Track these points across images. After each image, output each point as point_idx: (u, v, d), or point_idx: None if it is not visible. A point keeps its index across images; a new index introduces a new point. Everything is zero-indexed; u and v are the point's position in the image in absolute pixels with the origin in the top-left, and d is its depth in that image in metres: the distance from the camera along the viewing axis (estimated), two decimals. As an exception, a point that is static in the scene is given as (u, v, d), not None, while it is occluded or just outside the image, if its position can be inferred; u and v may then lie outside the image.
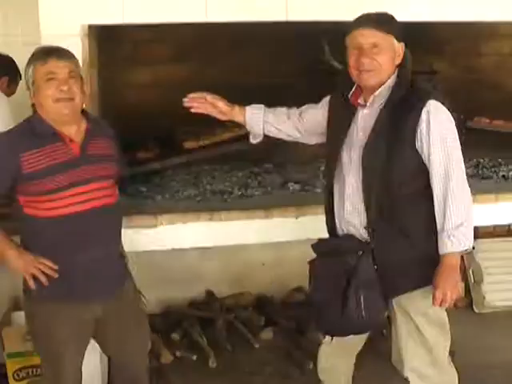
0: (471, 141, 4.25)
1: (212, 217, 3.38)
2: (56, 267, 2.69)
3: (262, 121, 3.06)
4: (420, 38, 4.01)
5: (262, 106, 3.07)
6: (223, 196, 3.59)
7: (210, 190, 3.64)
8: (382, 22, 2.72)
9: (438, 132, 2.67)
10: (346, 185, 2.80)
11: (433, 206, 2.72)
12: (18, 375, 3.60)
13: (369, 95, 2.77)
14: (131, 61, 3.77)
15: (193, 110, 2.96)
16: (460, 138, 2.76)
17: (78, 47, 3.21)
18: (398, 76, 2.78)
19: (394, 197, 2.72)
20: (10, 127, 3.22)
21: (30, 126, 2.75)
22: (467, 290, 4.82)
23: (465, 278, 4.83)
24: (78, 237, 2.74)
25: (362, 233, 2.77)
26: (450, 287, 2.70)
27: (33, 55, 2.74)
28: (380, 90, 2.75)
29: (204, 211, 3.41)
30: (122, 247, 2.96)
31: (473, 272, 4.85)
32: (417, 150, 2.70)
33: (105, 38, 3.44)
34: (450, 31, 3.99)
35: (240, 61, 3.40)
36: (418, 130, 2.68)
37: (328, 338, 3.02)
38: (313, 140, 3.14)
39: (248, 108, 3.06)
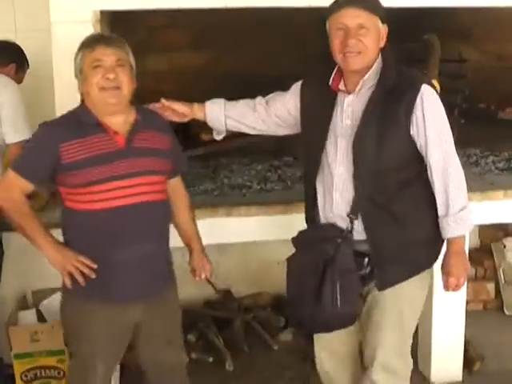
0: (502, 133, 4.17)
1: (230, 212, 3.34)
2: (95, 266, 2.59)
3: (223, 116, 2.96)
4: (448, 25, 3.90)
5: (223, 100, 2.98)
6: (241, 190, 3.55)
7: (227, 184, 3.60)
8: (366, 2, 2.62)
9: (434, 117, 2.63)
10: (333, 176, 2.70)
11: (424, 191, 2.70)
12: (25, 376, 3.52)
13: (352, 80, 2.68)
14: (145, 47, 3.71)
15: None
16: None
17: (89, 34, 3.01)
18: (383, 60, 2.68)
19: (386, 184, 2.67)
20: (20, 113, 3.12)
21: (74, 115, 2.70)
22: (497, 291, 4.66)
23: (495, 278, 4.67)
24: (118, 233, 2.65)
25: (348, 221, 2.70)
26: (462, 272, 2.75)
27: (82, 42, 2.68)
28: (369, 74, 2.66)
29: (222, 206, 3.37)
30: (169, 248, 2.85)
31: (503, 272, 4.67)
32: (411, 136, 2.64)
33: (118, 24, 3.36)
34: (479, 17, 3.87)
35: (259, 48, 3.30)
36: (413, 116, 2.62)
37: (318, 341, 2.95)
38: (280, 131, 3.02)
39: (207, 103, 2.98)
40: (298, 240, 2.85)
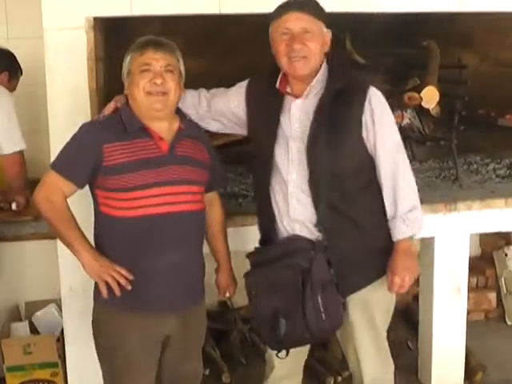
0: (503, 140, 4.13)
1: (226, 221, 3.17)
2: (131, 277, 2.54)
3: None
4: (447, 31, 3.88)
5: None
6: (237, 200, 3.51)
7: (223, 193, 3.46)
8: (311, 7, 2.63)
9: (383, 119, 2.68)
10: (287, 181, 2.68)
11: (380, 195, 2.72)
12: (18, 390, 3.48)
13: (298, 85, 2.70)
14: (140, 54, 3.67)
15: None
16: None
17: (82, 40, 3.11)
18: (329, 64, 2.70)
19: (343, 188, 2.69)
20: (15, 123, 3.06)
21: (118, 118, 2.69)
22: (499, 300, 4.64)
23: (497, 288, 4.66)
24: (156, 242, 2.61)
25: (312, 231, 2.69)
26: (408, 272, 2.72)
27: (132, 45, 2.68)
28: (316, 79, 2.69)
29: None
30: (204, 264, 2.83)
31: (505, 281, 4.66)
32: (363, 139, 2.68)
33: (112, 30, 3.31)
34: (479, 23, 3.83)
35: (255, 55, 3.24)
36: (363, 118, 2.66)
37: (277, 360, 2.87)
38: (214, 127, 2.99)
39: None
40: (260, 256, 2.82)
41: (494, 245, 4.74)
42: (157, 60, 2.61)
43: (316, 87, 2.70)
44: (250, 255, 2.85)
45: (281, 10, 2.64)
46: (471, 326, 3.81)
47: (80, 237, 2.61)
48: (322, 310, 2.63)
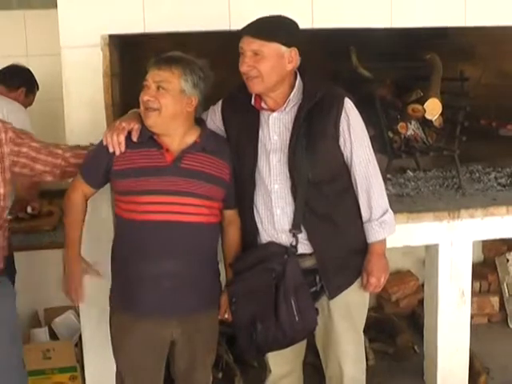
0: (504, 149, 4.21)
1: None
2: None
3: None
4: (450, 45, 3.95)
5: None
6: None
7: None
8: (263, 29, 2.70)
9: (357, 128, 2.79)
10: (270, 192, 2.77)
11: (355, 198, 2.84)
12: (38, 393, 3.52)
13: (269, 99, 2.79)
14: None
15: None
16: None
17: (98, 57, 3.20)
18: (303, 79, 2.79)
19: (322, 194, 2.78)
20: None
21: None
22: (502, 305, 4.68)
23: (499, 292, 4.69)
24: (150, 247, 2.70)
25: (298, 238, 2.78)
26: (383, 272, 2.88)
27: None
28: (293, 93, 2.78)
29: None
30: (217, 275, 2.90)
31: (507, 285, 4.70)
32: (339, 147, 2.79)
33: (126, 47, 3.40)
34: (481, 36, 3.90)
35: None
36: (340, 128, 2.76)
37: (274, 362, 3.01)
38: None
39: None
40: (239, 263, 2.89)
41: (497, 251, 4.78)
42: (152, 76, 2.69)
43: (293, 100, 2.78)
44: (231, 264, 2.93)
45: (241, 32, 2.74)
46: (475, 329, 3.86)
47: (75, 239, 2.80)
48: (295, 312, 2.72)
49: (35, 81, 4.15)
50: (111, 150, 2.73)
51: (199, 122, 2.87)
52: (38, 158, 2.85)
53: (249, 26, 2.71)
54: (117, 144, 2.73)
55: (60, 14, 3.17)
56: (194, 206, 2.73)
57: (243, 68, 2.70)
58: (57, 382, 3.49)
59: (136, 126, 2.76)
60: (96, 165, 2.80)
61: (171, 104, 2.68)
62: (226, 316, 2.94)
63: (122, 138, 2.73)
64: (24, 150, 2.80)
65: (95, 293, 3.08)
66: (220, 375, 3.85)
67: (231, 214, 2.92)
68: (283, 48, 2.72)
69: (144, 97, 2.69)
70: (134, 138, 2.75)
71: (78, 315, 3.47)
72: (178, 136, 2.76)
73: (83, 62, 3.20)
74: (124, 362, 2.86)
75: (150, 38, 3.27)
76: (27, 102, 4.11)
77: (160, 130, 2.73)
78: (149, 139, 2.75)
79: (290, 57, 2.74)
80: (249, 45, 2.69)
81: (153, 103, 2.67)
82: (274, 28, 2.73)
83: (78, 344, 3.60)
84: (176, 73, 2.69)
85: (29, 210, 3.77)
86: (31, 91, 4.18)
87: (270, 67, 2.71)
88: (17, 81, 4.06)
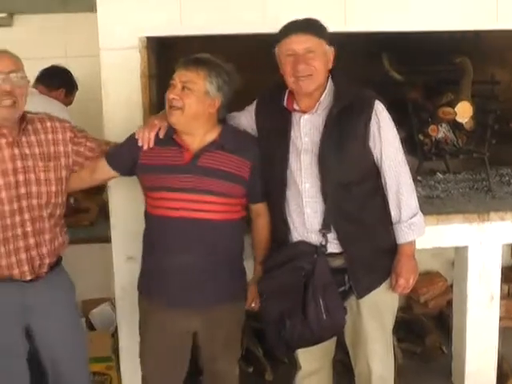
0: None
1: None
2: None
3: None
4: (481, 48, 3.96)
5: None
6: None
7: None
8: (313, 27, 2.73)
9: (388, 130, 2.80)
10: (301, 192, 2.80)
11: (384, 199, 2.85)
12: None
13: (304, 101, 2.81)
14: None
15: None
16: None
17: (136, 59, 3.27)
18: (334, 81, 2.81)
19: (352, 195, 2.80)
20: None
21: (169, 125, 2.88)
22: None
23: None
24: (168, 241, 2.80)
25: (327, 238, 2.81)
26: (412, 274, 2.89)
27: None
28: (324, 95, 2.80)
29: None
30: (240, 270, 2.96)
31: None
32: (369, 149, 2.80)
33: (163, 49, 3.47)
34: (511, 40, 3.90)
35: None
36: (370, 130, 2.77)
37: (303, 359, 3.06)
38: None
39: None
40: (269, 261, 2.94)
41: (525, 254, 4.72)
42: (179, 76, 2.78)
43: (324, 103, 2.81)
44: (262, 262, 2.99)
45: (285, 32, 2.76)
46: (502, 332, 3.85)
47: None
48: (323, 310, 2.76)
49: (74, 81, 4.24)
50: (140, 144, 2.84)
51: (222, 121, 2.93)
52: (92, 158, 2.98)
53: (295, 26, 2.74)
54: (147, 139, 2.84)
55: (99, 16, 3.25)
56: (210, 203, 2.79)
57: (300, 67, 2.71)
58: (93, 371, 3.53)
59: (165, 124, 2.85)
60: (122, 151, 2.93)
61: (194, 104, 2.75)
62: (253, 305, 3.00)
63: (152, 135, 2.84)
64: (81, 149, 2.95)
65: (131, 285, 3.17)
66: (251, 370, 3.91)
67: (258, 208, 2.98)
68: (327, 46, 2.78)
69: (169, 95, 2.77)
70: (161, 136, 2.85)
71: (114, 307, 3.54)
72: (199, 135, 2.83)
73: (121, 63, 3.28)
74: (145, 347, 2.98)
75: (186, 40, 3.32)
76: (67, 102, 4.21)
77: (182, 128, 2.81)
78: (171, 138, 2.84)
79: (330, 56, 2.79)
80: (302, 43, 2.72)
81: (177, 102, 2.75)
82: (319, 26, 2.78)
83: (114, 334, 3.67)
84: (202, 74, 2.76)
85: (71, 201, 3.85)
86: (70, 91, 4.27)
87: (323, 64, 2.76)
88: (57, 81, 4.15)
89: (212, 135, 2.85)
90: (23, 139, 2.80)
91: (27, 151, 2.79)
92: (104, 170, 2.97)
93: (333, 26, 3.00)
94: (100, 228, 3.14)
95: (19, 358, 2.90)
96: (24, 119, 2.82)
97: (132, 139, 2.90)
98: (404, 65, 4.05)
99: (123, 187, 3.23)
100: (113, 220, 3.38)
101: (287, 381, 3.27)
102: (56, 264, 2.93)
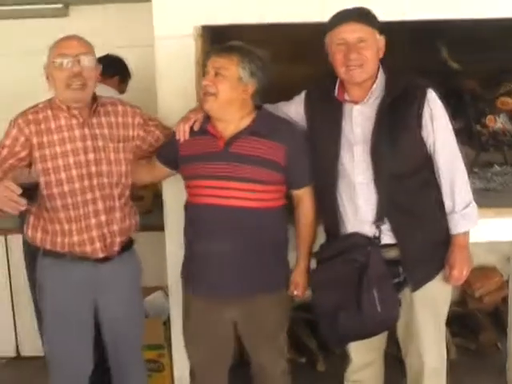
0: None
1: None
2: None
3: None
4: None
5: None
6: None
7: None
8: (364, 16, 2.71)
9: (441, 119, 2.77)
10: (354, 184, 2.78)
11: (438, 190, 2.81)
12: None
13: (356, 91, 2.78)
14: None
15: None
16: None
17: (191, 48, 3.28)
18: (385, 70, 2.79)
19: (406, 186, 2.77)
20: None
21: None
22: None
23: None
24: (203, 229, 2.83)
25: (381, 230, 2.80)
26: (466, 265, 2.84)
27: None
28: (376, 85, 2.78)
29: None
30: (282, 259, 2.96)
31: None
32: (422, 139, 2.76)
33: (218, 38, 3.44)
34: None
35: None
36: (423, 119, 2.74)
37: (354, 352, 3.03)
38: None
39: None
40: (322, 253, 2.92)
41: None
42: (212, 63, 2.80)
43: (376, 92, 2.79)
44: (315, 253, 2.97)
45: (336, 21, 2.74)
46: None
47: None
48: (377, 303, 2.73)
49: (128, 70, 4.29)
50: (177, 137, 2.90)
51: (259, 108, 2.93)
52: (155, 148, 3.09)
53: (346, 14, 2.72)
54: (182, 132, 2.89)
55: (154, 5, 3.28)
56: (244, 190, 2.80)
57: (352, 56, 2.69)
58: (145, 358, 3.53)
59: (200, 116, 2.90)
60: (168, 145, 3.00)
61: (228, 90, 2.78)
62: (296, 292, 2.98)
63: (187, 127, 2.89)
64: (149, 138, 3.06)
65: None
66: (303, 360, 3.92)
67: (299, 194, 2.95)
68: (378, 35, 2.76)
69: (204, 82, 2.80)
70: (195, 128, 2.89)
71: (167, 295, 3.57)
72: (233, 122, 2.85)
73: (176, 52, 3.29)
74: (186, 337, 3.06)
75: (241, 28, 3.30)
76: (120, 90, 4.25)
77: (216, 114, 2.84)
78: (206, 128, 2.87)
79: (381, 45, 2.78)
80: (354, 32, 2.70)
81: (210, 88, 2.78)
82: (370, 14, 2.76)
83: (166, 323, 3.71)
84: (234, 60, 2.79)
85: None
86: (124, 80, 4.32)
87: (374, 54, 2.75)
88: (111, 69, 4.18)
89: (246, 121, 2.86)
90: (94, 120, 2.91)
91: (97, 132, 2.90)
92: (158, 167, 3.07)
93: (390, 15, 2.99)
94: (155, 216, 3.16)
95: (86, 334, 3.01)
96: (95, 101, 2.92)
97: (174, 134, 2.97)
98: (461, 54, 3.98)
99: (176, 176, 3.23)
100: (166, 209, 3.40)
101: (339, 372, 3.24)
102: (128, 246, 3.03)
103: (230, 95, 2.79)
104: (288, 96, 3.05)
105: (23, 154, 2.83)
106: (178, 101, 3.27)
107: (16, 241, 3.91)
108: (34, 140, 2.83)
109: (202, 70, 3.01)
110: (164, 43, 3.29)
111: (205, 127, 2.87)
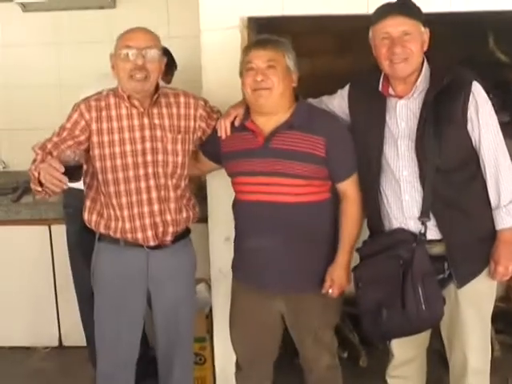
0: None
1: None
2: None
3: None
4: None
5: None
6: None
7: None
8: (408, 9, 2.66)
9: (486, 113, 2.72)
10: (399, 179, 2.75)
11: (485, 185, 2.77)
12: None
13: (400, 85, 2.75)
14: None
15: None
16: None
17: (237, 39, 3.28)
18: (430, 63, 2.74)
19: (452, 181, 2.74)
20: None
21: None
22: None
23: None
24: (249, 224, 2.86)
25: (427, 225, 2.76)
26: (511, 261, 2.79)
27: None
28: (420, 79, 2.75)
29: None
30: (330, 254, 2.92)
31: None
32: (467, 132, 2.72)
33: (264, 29, 3.44)
34: None
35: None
36: (468, 113, 2.70)
37: (396, 348, 3.02)
38: None
39: None
40: (365, 249, 2.90)
41: None
42: (259, 57, 2.78)
43: (420, 86, 2.76)
44: (358, 249, 2.94)
45: (380, 15, 2.71)
46: None
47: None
48: (422, 300, 2.71)
49: (174, 61, 4.30)
50: (219, 133, 2.92)
51: (297, 100, 2.92)
52: None
53: (390, 8, 2.70)
54: (224, 128, 2.90)
55: (201, -5, 3.26)
56: (285, 185, 2.79)
57: (396, 50, 2.67)
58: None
59: (241, 112, 2.90)
60: (210, 140, 3.03)
61: (281, 81, 2.78)
62: (330, 291, 2.89)
63: (228, 123, 2.90)
64: (208, 131, 3.07)
65: (227, 267, 3.20)
66: (345, 355, 3.88)
67: (343, 187, 2.90)
68: (422, 28, 2.72)
69: (256, 77, 2.77)
70: (236, 123, 2.89)
71: (210, 288, 3.59)
72: (276, 116, 2.84)
73: (222, 43, 3.29)
74: (231, 327, 3.08)
75: (287, 20, 3.31)
76: (165, 81, 4.24)
77: (270, 109, 2.82)
78: (246, 123, 2.87)
79: (426, 38, 2.74)
80: (398, 26, 2.67)
81: (265, 83, 2.77)
82: (414, 8, 2.73)
83: (209, 316, 3.71)
84: (280, 51, 2.80)
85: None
86: (170, 70, 4.32)
87: (419, 47, 2.72)
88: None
89: (285, 115, 2.85)
90: (154, 110, 2.97)
91: (156, 122, 2.96)
92: (203, 160, 3.11)
93: (438, 6, 2.94)
94: (199, 208, 3.17)
95: (136, 320, 3.09)
96: (157, 92, 2.98)
97: (216, 130, 2.98)
98: (509, 45, 3.93)
99: (220, 169, 3.24)
100: (210, 201, 3.42)
101: (381, 368, 3.23)
102: (183, 236, 3.08)
103: (283, 86, 2.79)
104: (331, 89, 3.02)
105: (82, 137, 2.92)
106: (224, 92, 3.27)
107: (60, 231, 3.96)
108: (94, 126, 2.92)
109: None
110: (210, 34, 3.30)
111: (244, 123, 2.88)
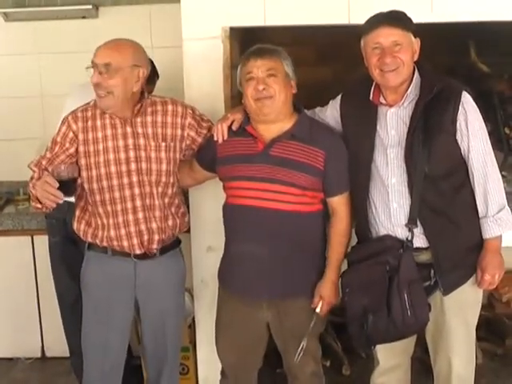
0: None
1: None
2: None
3: None
4: None
5: None
6: None
7: None
8: (399, 19, 2.69)
9: (475, 122, 2.74)
10: (387, 186, 2.77)
11: (472, 194, 2.79)
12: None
13: (391, 94, 2.77)
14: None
15: None
16: None
17: (219, 49, 3.29)
18: (420, 72, 2.77)
19: (440, 189, 2.75)
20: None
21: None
22: None
23: None
24: (238, 230, 2.86)
25: (414, 233, 2.77)
26: (498, 270, 2.81)
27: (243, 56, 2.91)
28: (411, 88, 2.77)
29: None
30: (317, 264, 2.93)
31: None
32: (456, 141, 2.74)
33: (246, 40, 3.47)
34: None
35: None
36: (457, 122, 2.72)
37: (381, 355, 3.01)
38: None
39: None
40: (353, 255, 2.91)
41: None
42: (258, 67, 2.78)
43: (411, 95, 2.78)
44: (346, 255, 2.95)
45: (371, 25, 2.73)
46: None
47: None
48: (407, 306, 2.72)
49: (156, 71, 4.30)
50: (215, 138, 2.90)
51: (298, 111, 2.93)
52: None
53: (381, 18, 2.72)
54: (220, 132, 2.89)
55: (183, 7, 3.28)
56: (280, 193, 2.79)
57: (387, 60, 2.69)
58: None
59: (239, 117, 2.90)
60: (205, 146, 3.02)
61: (283, 89, 2.79)
62: (318, 310, 2.90)
63: (225, 127, 2.89)
64: (199, 140, 3.07)
65: (210, 276, 3.23)
66: (328, 363, 3.87)
67: (334, 203, 2.91)
68: (413, 38, 2.75)
69: (258, 86, 2.77)
70: (234, 128, 2.89)
71: (193, 297, 3.58)
72: (277, 124, 2.84)
73: (204, 53, 3.29)
74: (217, 335, 3.06)
75: (269, 31, 3.32)
76: (148, 90, 4.24)
77: (274, 117, 2.82)
78: (245, 129, 2.87)
79: (416, 48, 2.76)
80: (388, 36, 2.69)
81: (267, 91, 2.77)
82: (405, 18, 2.75)
83: (192, 325, 3.71)
84: (278, 59, 2.81)
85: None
86: (151, 81, 4.31)
87: (409, 57, 2.74)
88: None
89: (287, 125, 2.85)
90: (138, 119, 2.97)
91: (140, 130, 2.96)
92: (198, 169, 3.09)
93: (419, 16, 2.96)
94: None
95: (123, 328, 3.11)
96: (140, 101, 2.98)
97: (211, 135, 2.97)
98: (491, 56, 3.97)
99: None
100: (192, 211, 3.40)
101: (364, 376, 3.23)
102: (172, 247, 3.08)
103: (285, 94, 2.80)
104: (312, 98, 3.03)
105: (72, 150, 2.95)
106: (206, 101, 3.28)
107: (42, 241, 3.93)
108: (80, 136, 2.94)
109: (235, 77, 3.01)
110: (192, 44, 3.30)
111: (244, 128, 2.88)
